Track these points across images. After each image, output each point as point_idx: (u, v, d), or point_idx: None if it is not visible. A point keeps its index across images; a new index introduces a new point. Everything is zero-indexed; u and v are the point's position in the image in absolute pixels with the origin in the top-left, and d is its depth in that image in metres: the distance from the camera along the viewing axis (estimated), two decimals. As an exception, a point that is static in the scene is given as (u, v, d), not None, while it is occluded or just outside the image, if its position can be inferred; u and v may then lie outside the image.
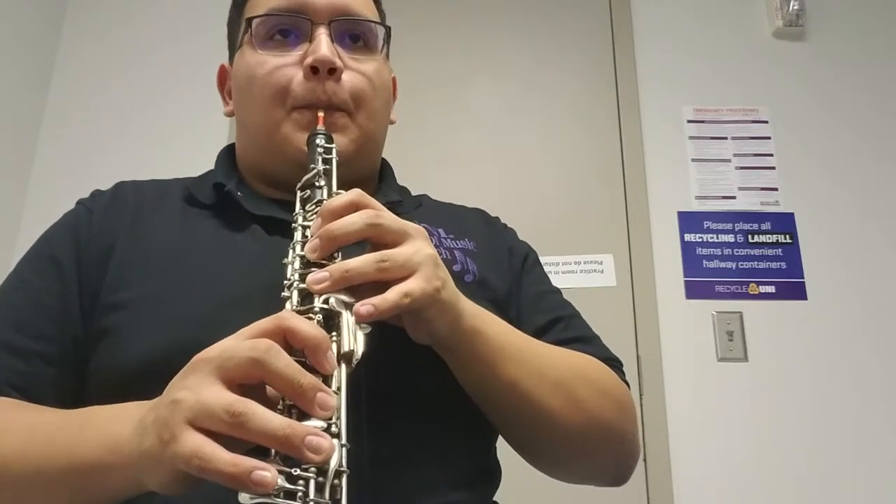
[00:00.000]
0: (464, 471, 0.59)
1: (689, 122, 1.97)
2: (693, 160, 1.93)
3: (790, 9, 2.01)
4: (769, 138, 1.95)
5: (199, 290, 0.59)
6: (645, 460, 1.63)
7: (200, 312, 0.57)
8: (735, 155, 1.94)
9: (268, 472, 0.37)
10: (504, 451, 0.66)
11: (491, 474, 0.65)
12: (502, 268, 0.72)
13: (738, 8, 2.09)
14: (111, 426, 0.46)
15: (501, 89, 2.04)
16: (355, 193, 0.54)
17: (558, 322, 0.70)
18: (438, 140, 1.94)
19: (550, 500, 1.23)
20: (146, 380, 0.49)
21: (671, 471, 1.64)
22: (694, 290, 1.80)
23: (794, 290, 1.81)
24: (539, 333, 0.67)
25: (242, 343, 0.42)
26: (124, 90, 2.03)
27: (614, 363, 0.69)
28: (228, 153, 0.76)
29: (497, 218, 0.83)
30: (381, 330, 0.49)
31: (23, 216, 1.90)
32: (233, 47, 0.75)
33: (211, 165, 0.75)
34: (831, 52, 2.04)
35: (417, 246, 0.52)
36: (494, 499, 0.64)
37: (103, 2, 2.15)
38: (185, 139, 1.94)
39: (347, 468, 0.40)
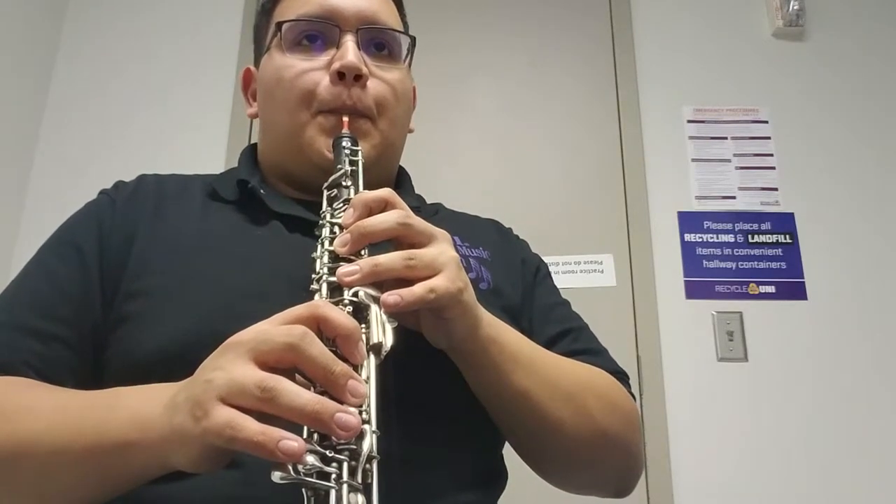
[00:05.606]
0: (473, 472, 0.60)
1: (689, 122, 1.97)
2: (693, 160, 1.93)
3: (790, 9, 2.01)
4: (769, 138, 1.95)
5: (221, 279, 0.60)
6: (645, 460, 1.63)
7: (221, 302, 0.57)
8: (735, 155, 1.94)
9: (294, 442, 0.37)
10: (508, 455, 0.67)
11: (498, 476, 0.66)
12: (515, 278, 0.73)
13: (737, 8, 2.09)
14: (141, 405, 0.46)
15: (501, 89, 2.04)
16: (386, 192, 0.55)
17: (568, 334, 0.71)
18: (438, 139, 1.93)
19: (550, 500, 1.23)
20: (165, 367, 0.49)
21: (671, 470, 1.64)
22: (694, 290, 1.80)
23: (794, 290, 1.81)
24: (549, 344, 0.68)
25: (277, 328, 0.42)
26: (124, 90, 2.03)
27: (621, 376, 0.70)
28: (251, 152, 0.77)
29: (510, 229, 0.84)
30: (399, 333, 0.49)
31: (23, 216, 1.89)
32: (259, 51, 0.77)
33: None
34: (831, 52, 2.04)
35: (442, 248, 0.53)
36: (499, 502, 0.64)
37: (103, 2, 2.15)
38: (184, 139, 1.92)
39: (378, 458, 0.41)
